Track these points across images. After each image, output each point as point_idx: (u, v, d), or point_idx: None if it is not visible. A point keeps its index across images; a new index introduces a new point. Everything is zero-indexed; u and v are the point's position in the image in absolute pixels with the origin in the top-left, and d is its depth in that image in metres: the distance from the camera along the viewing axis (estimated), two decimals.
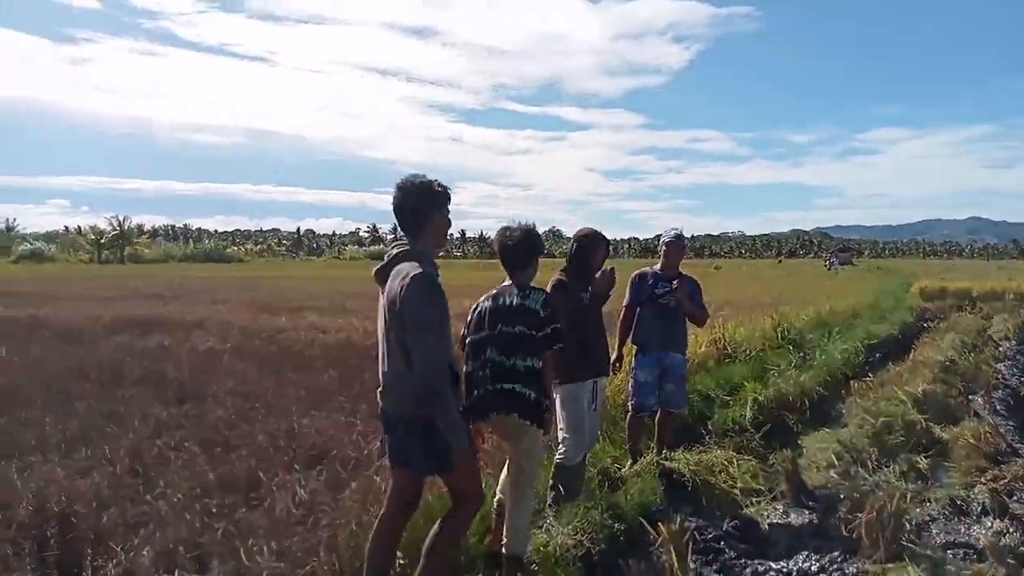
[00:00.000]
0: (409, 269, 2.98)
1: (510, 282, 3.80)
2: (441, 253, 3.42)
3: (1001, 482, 5.43)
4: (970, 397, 8.38)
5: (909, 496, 5.07)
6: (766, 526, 4.81)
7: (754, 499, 5.23)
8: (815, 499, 5.15)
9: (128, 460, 4.87)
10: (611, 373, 5.52)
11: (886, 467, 5.92)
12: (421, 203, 3.10)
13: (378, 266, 3.24)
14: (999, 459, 6.08)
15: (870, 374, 9.19)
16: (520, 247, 3.78)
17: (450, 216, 3.21)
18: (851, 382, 8.63)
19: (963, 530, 4.72)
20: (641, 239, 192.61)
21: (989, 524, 4.70)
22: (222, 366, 8.40)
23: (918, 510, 4.99)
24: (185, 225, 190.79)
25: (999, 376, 10.31)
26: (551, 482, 4.35)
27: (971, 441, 6.29)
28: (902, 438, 6.53)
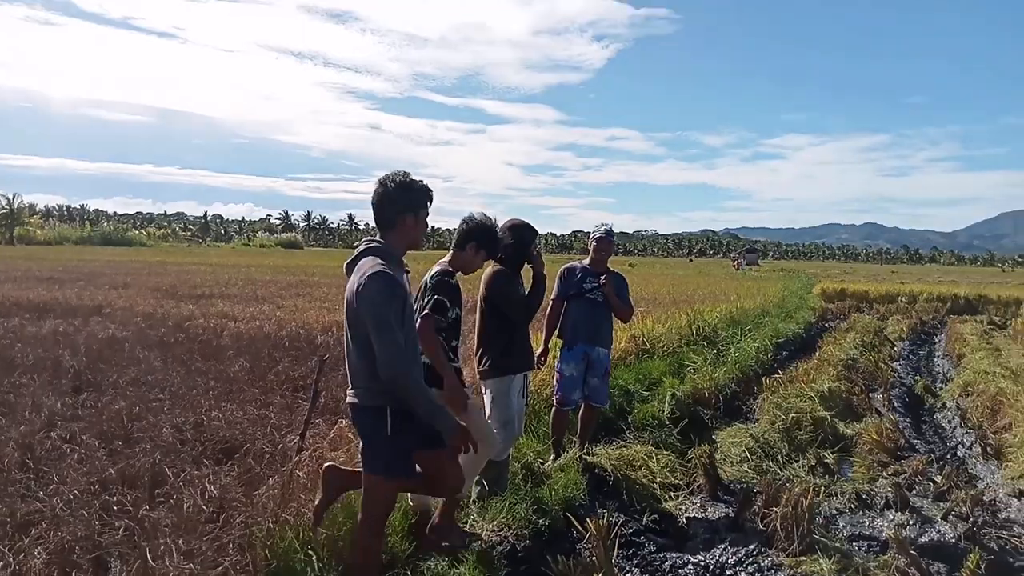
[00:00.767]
0: (369, 266, 2.94)
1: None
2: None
3: (902, 476, 5.71)
4: (870, 394, 8.79)
5: (818, 490, 5.27)
6: (684, 520, 4.89)
7: (673, 493, 5.31)
8: (731, 493, 5.27)
9: (18, 454, 4.51)
10: (537, 367, 5.51)
11: (796, 462, 6.14)
12: (395, 201, 3.05)
13: (349, 259, 3.16)
14: (899, 454, 6.40)
15: (779, 371, 9.52)
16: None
17: (427, 220, 3.17)
18: (762, 378, 8.91)
19: (868, 523, 4.92)
20: (559, 235, 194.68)
21: (891, 516, 4.92)
22: (123, 354, 7.93)
23: (827, 504, 5.18)
24: (82, 206, 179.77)
25: (895, 374, 10.88)
26: (476, 477, 4.28)
27: (874, 437, 6.59)
28: (810, 433, 6.79)
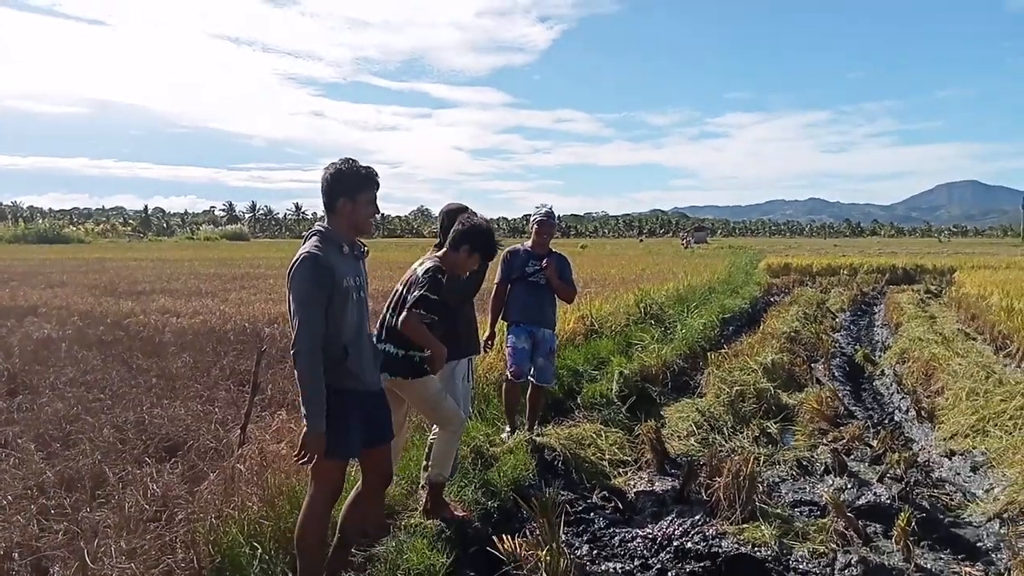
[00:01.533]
0: (303, 249, 3.04)
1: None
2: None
3: (840, 442, 5.91)
4: (812, 365, 9.05)
5: (761, 459, 5.43)
6: (633, 495, 4.98)
7: (621, 469, 5.41)
8: (678, 466, 5.38)
9: None
10: (484, 351, 5.54)
11: (740, 433, 6.29)
12: (331, 186, 3.12)
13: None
14: (838, 421, 6.61)
15: (725, 346, 9.73)
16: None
17: (372, 204, 3.20)
18: (708, 354, 9.10)
19: (808, 488, 5.09)
20: (510, 219, 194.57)
21: (831, 481, 5.09)
22: (61, 355, 7.69)
23: (769, 472, 5.34)
24: (14, 203, 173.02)
25: (836, 345, 11.22)
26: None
27: (814, 406, 6.80)
28: (754, 405, 6.97)
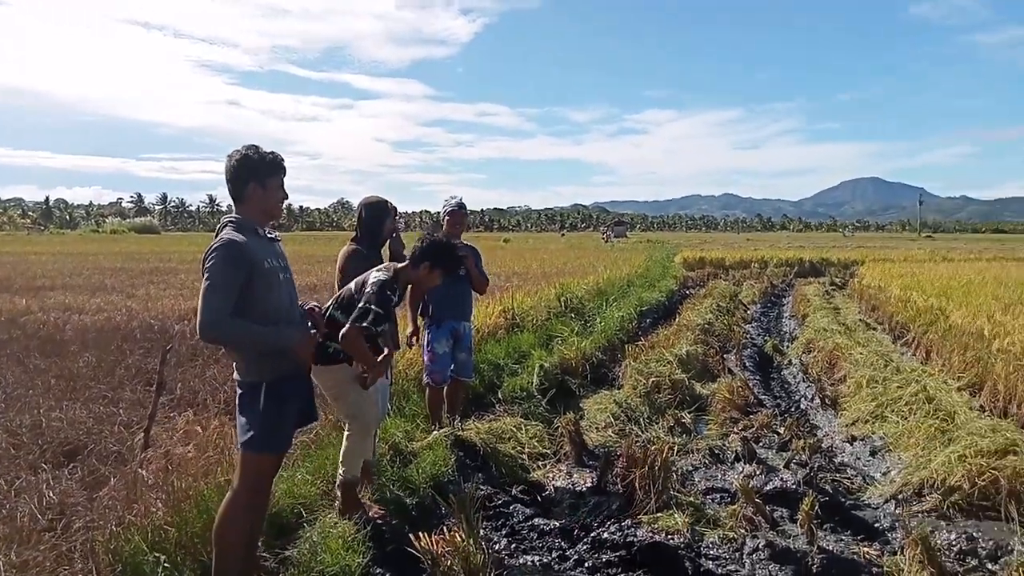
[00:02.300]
0: (216, 239, 3.03)
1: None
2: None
3: (750, 431, 6.12)
4: (725, 356, 9.35)
5: (676, 449, 5.57)
6: (552, 487, 5.02)
7: (541, 462, 5.45)
8: (596, 458, 5.46)
9: None
10: (408, 346, 5.50)
11: (656, 423, 6.44)
12: (237, 173, 3.11)
13: None
14: (748, 410, 6.85)
15: (642, 338, 9.94)
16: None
17: (281, 189, 3.21)
18: (626, 346, 9.27)
19: (720, 476, 5.25)
20: (432, 212, 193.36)
21: (741, 468, 5.27)
22: None
23: (683, 461, 5.49)
24: None
25: (747, 336, 11.62)
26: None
27: (726, 395, 7.02)
28: (669, 395, 7.14)
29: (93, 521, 3.33)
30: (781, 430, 6.10)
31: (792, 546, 3.99)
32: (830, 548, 4.03)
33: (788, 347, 10.98)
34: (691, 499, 4.57)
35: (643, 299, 14.46)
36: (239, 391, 3.12)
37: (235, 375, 3.15)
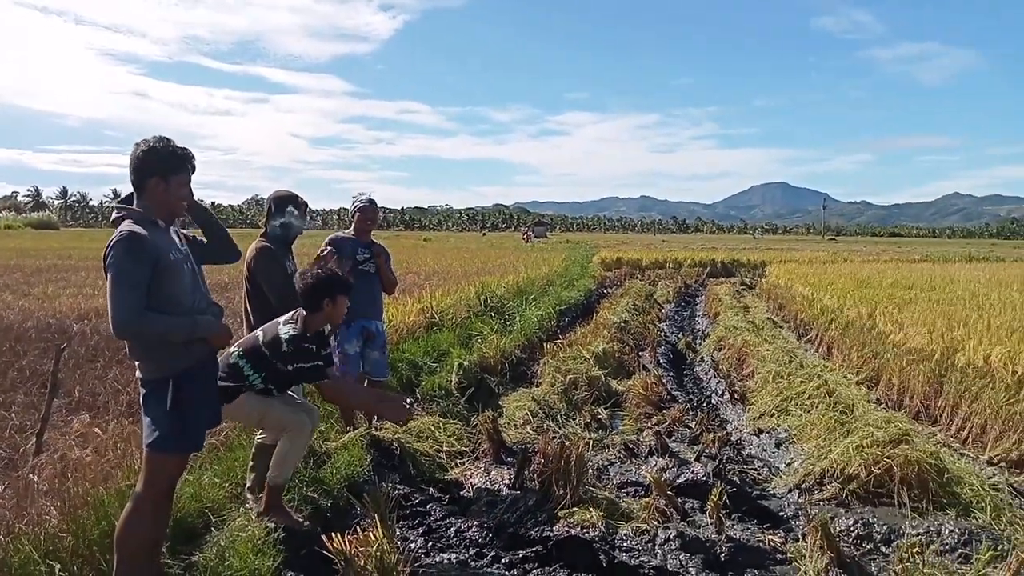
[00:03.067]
0: (116, 232, 2.93)
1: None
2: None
3: (663, 425, 6.28)
4: (640, 353, 9.56)
5: (591, 444, 5.66)
6: (469, 485, 5.02)
7: (459, 460, 5.44)
8: (513, 455, 5.48)
9: None
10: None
11: (573, 419, 6.53)
12: (143, 164, 3.00)
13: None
14: (662, 405, 7.02)
15: (561, 336, 10.06)
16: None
17: (186, 187, 3.10)
18: (545, 344, 9.36)
19: (634, 470, 5.36)
20: (351, 208, 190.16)
21: (654, 462, 5.39)
22: None
23: (599, 456, 5.58)
24: None
25: (662, 334, 11.93)
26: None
27: (641, 391, 7.18)
28: (586, 392, 7.25)
29: None
30: (693, 424, 6.28)
31: (702, 536, 4.11)
32: (737, 537, 4.17)
33: (700, 344, 11.33)
34: (606, 493, 4.65)
35: (562, 298, 14.63)
36: (143, 390, 3.00)
37: (138, 373, 3.03)
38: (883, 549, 4.04)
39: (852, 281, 14.46)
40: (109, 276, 2.86)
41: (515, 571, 3.83)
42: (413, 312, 9.60)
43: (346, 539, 3.07)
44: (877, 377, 7.62)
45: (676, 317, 15.38)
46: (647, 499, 4.56)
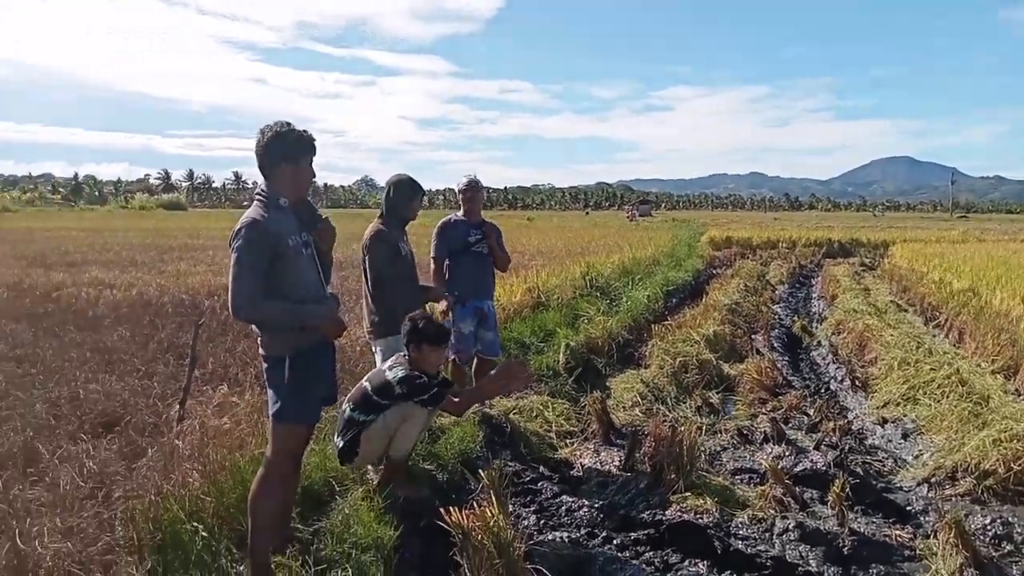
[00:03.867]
0: (245, 215, 3.08)
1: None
2: None
3: (779, 411, 6.08)
4: (752, 336, 9.28)
5: (704, 429, 5.55)
6: (579, 465, 5.04)
7: (568, 440, 5.46)
8: (622, 437, 5.46)
9: None
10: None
11: (683, 403, 6.42)
12: (267, 151, 3.11)
13: None
14: (777, 391, 6.80)
15: (668, 318, 9.89)
16: None
17: (311, 169, 3.24)
18: (652, 326, 9.23)
19: (748, 456, 5.22)
20: (457, 190, 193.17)
21: (770, 449, 5.24)
22: None
23: (711, 441, 5.47)
24: None
25: (775, 316, 11.52)
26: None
27: (754, 376, 6.97)
28: (697, 375, 7.11)
29: (132, 490, 3.41)
30: (811, 411, 6.05)
31: (823, 527, 3.97)
32: (861, 530, 4.00)
33: (817, 328, 10.88)
34: (720, 479, 4.57)
35: (669, 278, 14.38)
36: (265, 365, 3.17)
37: (260, 350, 3.19)
38: None
39: (986, 261, 13.47)
40: (231, 259, 3.01)
41: (627, 553, 3.82)
42: (519, 292, 9.68)
43: (463, 513, 3.14)
44: (1015, 367, 7.09)
45: (790, 299, 14.82)
46: (763, 487, 4.44)
